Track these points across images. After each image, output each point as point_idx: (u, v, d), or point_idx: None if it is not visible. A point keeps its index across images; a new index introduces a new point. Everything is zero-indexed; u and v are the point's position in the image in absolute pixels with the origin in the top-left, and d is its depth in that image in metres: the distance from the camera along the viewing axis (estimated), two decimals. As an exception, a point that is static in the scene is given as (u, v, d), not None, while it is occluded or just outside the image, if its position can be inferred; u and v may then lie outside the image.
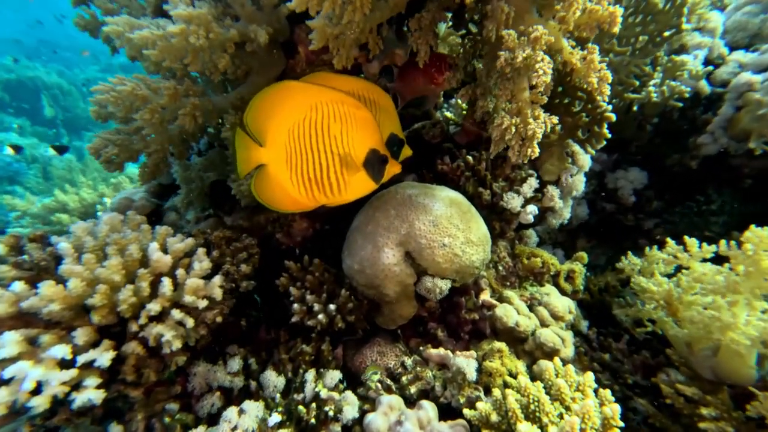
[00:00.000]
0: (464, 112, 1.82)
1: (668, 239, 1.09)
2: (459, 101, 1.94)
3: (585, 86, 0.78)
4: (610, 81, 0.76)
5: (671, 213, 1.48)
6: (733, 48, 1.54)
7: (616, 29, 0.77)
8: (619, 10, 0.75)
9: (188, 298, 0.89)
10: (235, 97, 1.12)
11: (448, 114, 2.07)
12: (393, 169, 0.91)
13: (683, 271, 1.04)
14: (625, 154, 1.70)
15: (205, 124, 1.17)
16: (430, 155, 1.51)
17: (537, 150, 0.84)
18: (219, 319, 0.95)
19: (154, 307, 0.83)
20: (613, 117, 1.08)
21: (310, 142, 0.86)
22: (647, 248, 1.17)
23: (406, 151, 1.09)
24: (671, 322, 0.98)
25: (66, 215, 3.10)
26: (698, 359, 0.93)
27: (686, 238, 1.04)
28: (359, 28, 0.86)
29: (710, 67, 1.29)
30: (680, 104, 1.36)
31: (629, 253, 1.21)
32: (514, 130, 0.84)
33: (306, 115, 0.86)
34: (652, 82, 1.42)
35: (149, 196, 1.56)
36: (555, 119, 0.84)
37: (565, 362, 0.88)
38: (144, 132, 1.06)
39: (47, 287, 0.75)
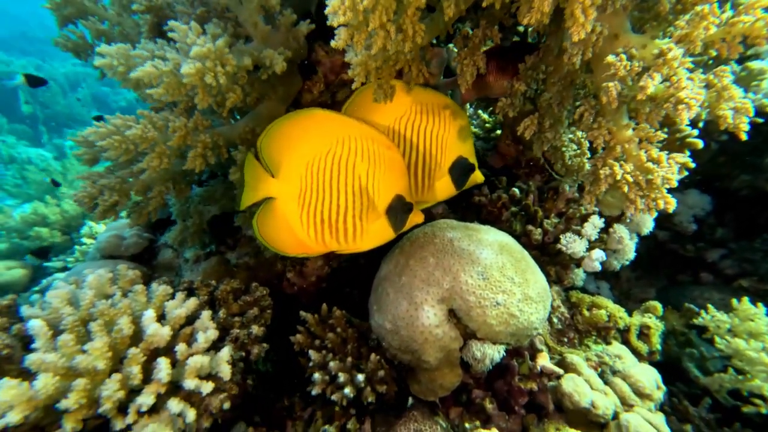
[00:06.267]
0: (492, 128, 1.64)
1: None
2: (481, 113, 1.75)
3: (717, 120, 0.59)
4: (752, 114, 0.57)
5: (747, 248, 1.28)
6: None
7: None
8: None
9: (190, 383, 0.72)
10: (244, 129, 0.95)
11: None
12: (415, 218, 0.80)
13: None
14: (681, 174, 1.50)
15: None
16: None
17: (673, 202, 0.64)
18: (227, 405, 0.77)
19: (146, 400, 0.66)
20: (700, 143, 0.90)
21: (331, 179, 0.75)
22: (734, 301, 0.98)
23: (476, 178, 0.92)
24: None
25: (46, 229, 2.97)
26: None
27: None
28: (410, 55, 0.69)
29: (798, 79, 1.11)
30: (761, 120, 1.16)
31: (710, 306, 1.02)
32: (631, 179, 0.65)
33: (330, 148, 0.74)
34: (722, 96, 1.23)
35: (142, 230, 1.40)
36: (681, 157, 0.65)
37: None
38: (145, 176, 0.90)
39: (6, 390, 0.58)
